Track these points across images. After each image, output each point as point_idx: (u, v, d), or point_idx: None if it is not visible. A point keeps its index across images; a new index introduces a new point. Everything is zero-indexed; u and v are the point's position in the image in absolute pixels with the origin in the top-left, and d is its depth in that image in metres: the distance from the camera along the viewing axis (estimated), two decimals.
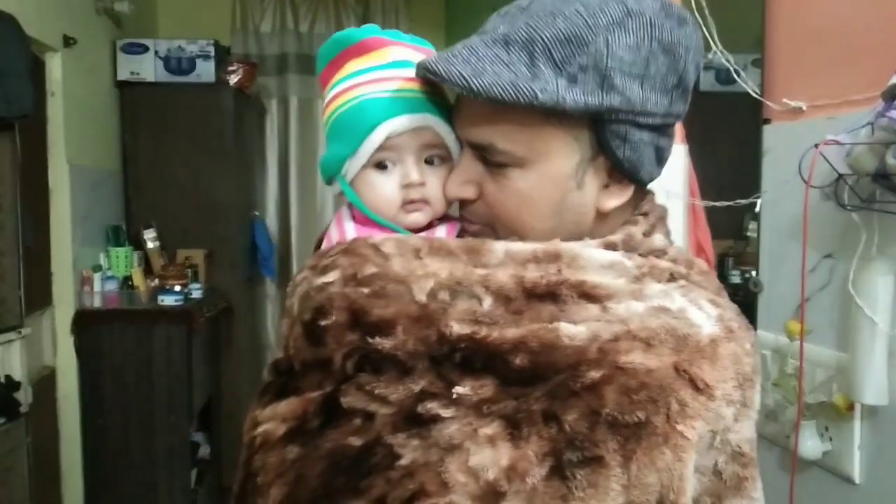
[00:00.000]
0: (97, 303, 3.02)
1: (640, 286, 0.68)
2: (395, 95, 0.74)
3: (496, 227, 0.73)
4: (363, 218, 0.78)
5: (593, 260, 0.68)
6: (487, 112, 0.69)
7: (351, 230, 0.78)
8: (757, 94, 1.43)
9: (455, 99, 0.75)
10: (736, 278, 2.70)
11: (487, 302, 0.66)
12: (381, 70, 0.76)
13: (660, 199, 0.81)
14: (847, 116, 1.21)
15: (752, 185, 1.49)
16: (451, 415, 0.63)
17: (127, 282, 3.22)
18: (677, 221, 1.50)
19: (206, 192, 3.51)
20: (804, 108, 1.36)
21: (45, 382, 2.76)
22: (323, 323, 0.67)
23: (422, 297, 0.66)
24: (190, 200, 3.51)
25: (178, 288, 3.13)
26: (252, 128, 4.11)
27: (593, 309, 0.65)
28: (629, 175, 0.72)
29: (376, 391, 0.64)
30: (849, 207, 1.16)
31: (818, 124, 1.27)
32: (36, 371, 2.66)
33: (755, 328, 1.01)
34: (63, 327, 2.89)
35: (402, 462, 0.62)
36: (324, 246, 0.79)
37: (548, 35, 0.65)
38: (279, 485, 0.64)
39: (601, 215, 0.74)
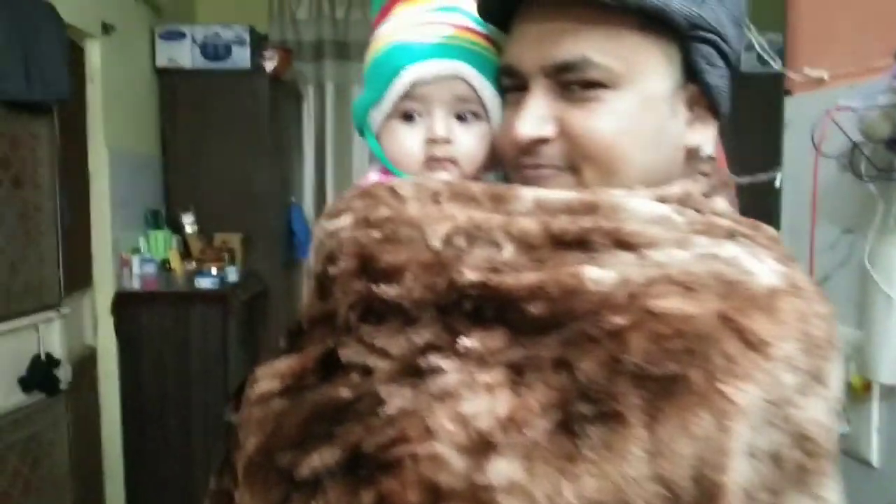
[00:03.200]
0: (136, 285, 3.09)
1: (687, 237, 0.57)
2: (429, 40, 0.69)
3: (581, 168, 0.63)
4: (388, 173, 0.73)
5: (637, 213, 0.59)
6: (576, 25, 0.61)
7: (376, 179, 0.72)
8: (771, 58, 1.38)
9: (510, 36, 0.68)
10: None
11: (508, 249, 0.58)
12: (423, 14, 0.71)
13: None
14: (868, 85, 1.16)
15: (778, 164, 1.44)
16: (452, 367, 0.56)
17: (165, 264, 3.30)
18: None
19: (244, 177, 3.56)
20: (826, 77, 1.31)
21: (86, 362, 2.85)
22: (331, 271, 0.62)
23: (436, 242, 0.60)
24: (227, 185, 3.56)
25: (214, 271, 3.19)
26: (289, 114, 4.15)
27: (628, 256, 0.56)
28: (715, 106, 0.65)
29: (376, 343, 0.58)
30: (866, 178, 1.11)
31: (839, 93, 1.23)
32: (77, 350, 2.74)
33: None
34: (103, 308, 2.98)
35: (387, 409, 0.55)
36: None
37: None
38: (256, 435, 0.60)
39: (688, 157, 0.66)
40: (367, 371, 0.58)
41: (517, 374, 0.53)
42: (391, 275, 0.59)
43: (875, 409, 1.19)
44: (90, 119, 2.90)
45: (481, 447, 0.51)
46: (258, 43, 3.63)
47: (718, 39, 0.62)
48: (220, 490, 0.65)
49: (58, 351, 2.48)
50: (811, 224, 1.22)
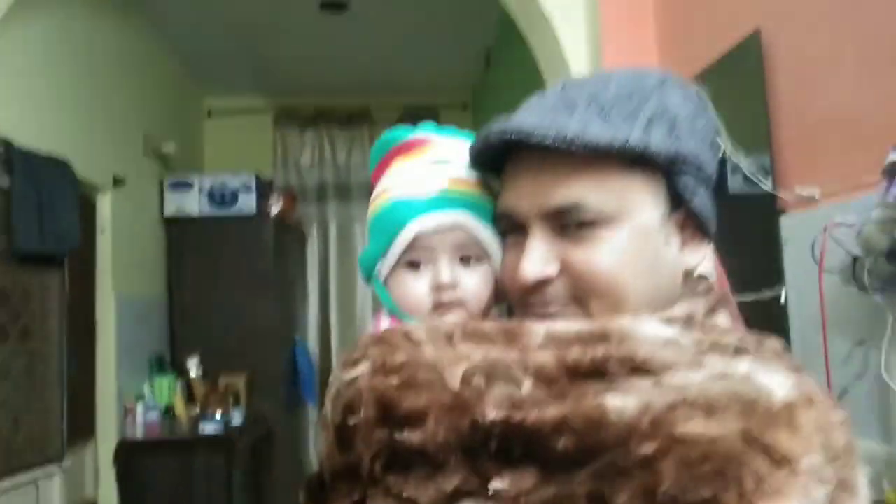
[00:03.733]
0: (139, 433, 3.03)
1: (699, 359, 0.59)
2: (428, 195, 0.73)
3: (587, 302, 0.66)
4: (397, 320, 0.75)
5: (646, 338, 0.60)
6: (567, 171, 0.65)
7: (386, 325, 0.75)
8: (760, 181, 1.43)
9: (504, 182, 0.71)
10: None
11: (527, 385, 0.58)
12: (419, 169, 0.75)
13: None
14: (860, 201, 1.20)
15: (776, 281, 1.46)
16: None
17: (169, 410, 3.25)
18: None
19: (249, 319, 3.58)
20: (817, 196, 1.35)
21: None
22: (352, 422, 0.62)
23: (455, 383, 0.60)
24: (232, 326, 3.58)
25: (218, 415, 3.14)
26: (293, 254, 4.23)
27: (644, 383, 0.57)
28: (704, 229, 0.69)
29: (404, 494, 0.57)
30: (871, 290, 1.13)
31: (832, 210, 1.26)
32: (77, 503, 2.65)
33: None
34: (105, 458, 2.91)
35: None
36: None
37: (610, 94, 0.66)
38: None
39: (685, 279, 0.69)
40: None
41: None
42: (413, 420, 0.59)
43: None
44: (99, 267, 2.96)
45: None
46: (263, 189, 3.77)
47: (696, 169, 0.67)
48: None
49: None
50: (822, 338, 1.22)
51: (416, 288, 0.74)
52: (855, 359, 1.25)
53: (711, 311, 0.67)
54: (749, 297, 1.53)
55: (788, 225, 1.44)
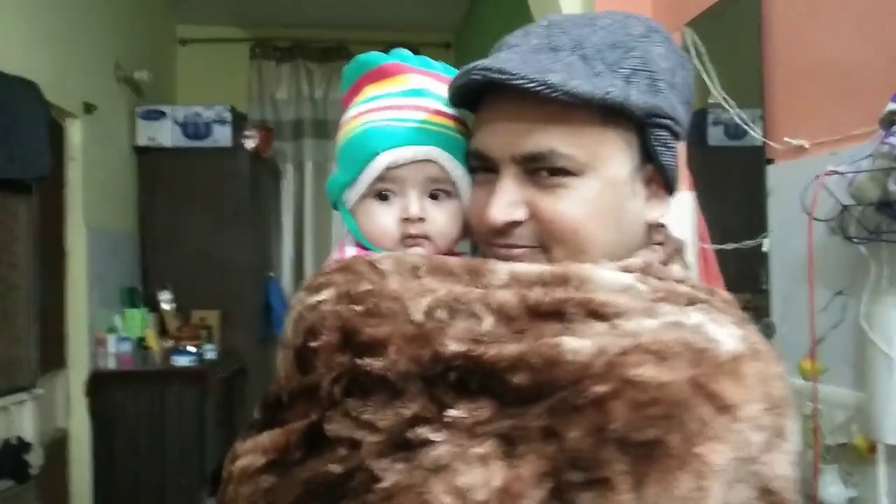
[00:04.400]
0: (111, 364, 3.02)
1: (654, 306, 0.62)
2: (402, 125, 0.72)
3: (551, 247, 0.68)
4: (363, 248, 0.75)
5: (605, 283, 0.63)
6: (544, 118, 0.65)
7: (352, 253, 0.75)
8: (751, 129, 1.43)
9: (479, 121, 0.72)
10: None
11: (488, 321, 0.61)
12: (394, 98, 0.74)
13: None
14: (850, 151, 1.20)
15: (759, 231, 1.47)
16: (442, 438, 0.57)
17: (141, 343, 3.23)
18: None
19: (222, 254, 3.54)
20: (807, 146, 1.35)
21: (57, 445, 2.74)
22: (313, 344, 0.63)
23: (418, 315, 0.62)
24: (206, 262, 3.54)
25: (191, 349, 3.13)
26: (268, 190, 4.17)
27: (601, 326, 0.60)
28: (669, 184, 0.71)
29: (363, 417, 0.59)
30: (856, 240, 1.14)
31: (821, 161, 1.27)
32: (48, 433, 2.64)
33: None
34: (77, 389, 2.89)
35: (383, 485, 0.57)
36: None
37: (595, 40, 0.66)
38: None
39: (647, 230, 0.72)
40: (354, 445, 0.59)
41: (508, 444, 0.56)
42: (375, 348, 0.60)
43: (882, 472, 1.18)
44: (69, 197, 2.88)
45: None
46: (238, 122, 3.68)
47: (672, 123, 0.68)
48: None
49: (29, 434, 2.39)
50: (808, 287, 1.24)
51: (384, 219, 0.73)
52: (833, 308, 1.27)
53: (667, 260, 0.70)
54: (731, 246, 1.54)
55: (775, 175, 1.45)
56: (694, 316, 0.61)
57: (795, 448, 0.59)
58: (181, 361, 3.02)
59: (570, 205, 0.66)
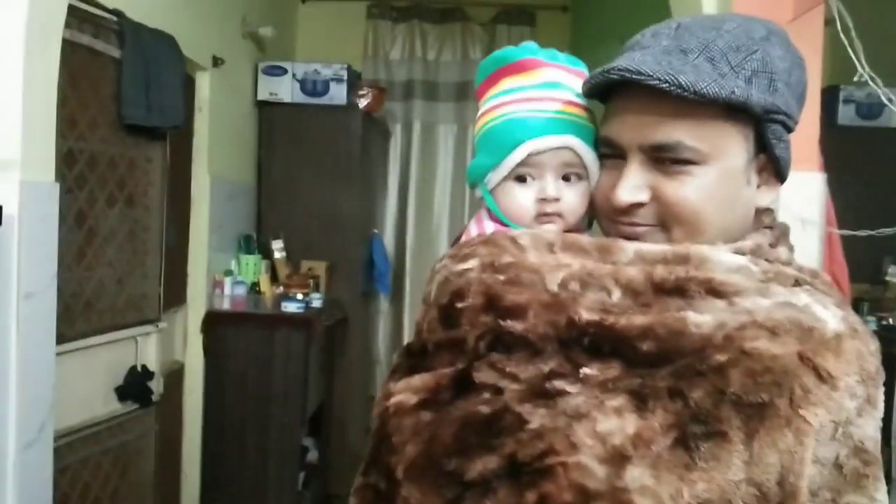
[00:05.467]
0: (226, 305, 3.21)
1: (766, 286, 0.70)
2: (541, 116, 0.81)
3: (671, 227, 0.76)
4: (500, 223, 0.85)
5: (722, 263, 0.71)
6: (673, 113, 0.73)
7: (490, 228, 0.84)
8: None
9: (610, 112, 0.79)
10: (872, 325, 2.52)
11: (616, 294, 0.70)
12: (531, 90, 0.83)
13: (793, 225, 0.86)
14: None
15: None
16: (578, 391, 0.66)
17: (254, 287, 3.41)
18: (812, 250, 1.45)
19: (331, 208, 3.68)
20: None
21: (174, 376, 2.96)
22: (459, 305, 0.73)
23: (553, 286, 0.71)
24: (316, 215, 3.68)
25: (300, 296, 3.29)
26: (377, 149, 4.27)
27: (720, 303, 0.68)
28: (781, 173, 0.79)
29: (507, 369, 0.68)
30: None
31: None
32: (167, 364, 2.86)
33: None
34: (194, 325, 3.10)
35: (532, 426, 0.66)
36: (463, 240, 0.86)
37: (721, 44, 0.74)
38: (415, 442, 0.69)
39: (757, 214, 0.80)
40: (498, 391, 0.68)
41: (639, 399, 0.65)
42: (516, 312, 0.70)
43: None
44: (195, 146, 3.06)
45: (617, 459, 0.63)
46: (353, 81, 3.77)
47: (786, 118, 0.76)
48: (366, 485, 0.73)
49: (153, 364, 2.60)
50: None
51: (523, 198, 0.83)
52: None
53: (775, 243, 0.78)
54: (864, 233, 1.48)
55: None
56: (802, 297, 0.70)
57: (881, 411, 0.68)
58: (290, 307, 3.17)
59: (692, 190, 0.74)
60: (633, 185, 0.76)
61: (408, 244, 4.53)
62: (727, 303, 0.68)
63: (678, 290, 0.69)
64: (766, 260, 0.74)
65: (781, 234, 0.81)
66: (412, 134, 4.54)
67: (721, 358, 0.64)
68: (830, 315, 0.68)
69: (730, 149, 0.74)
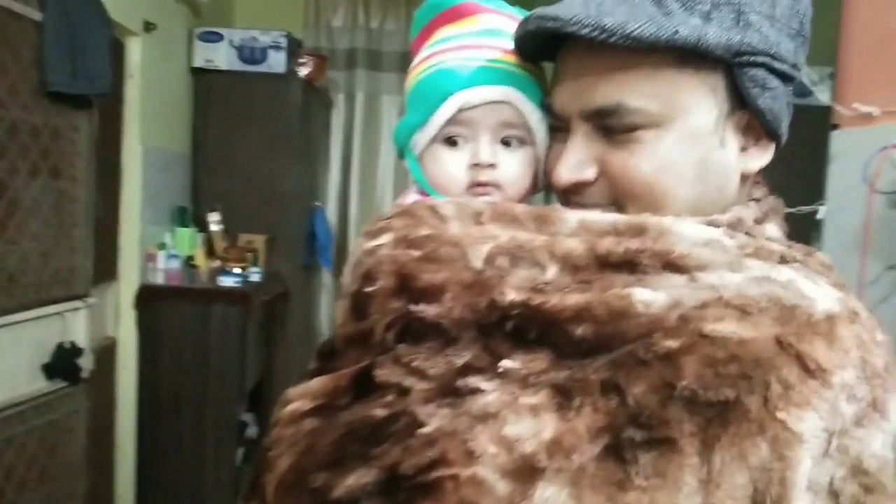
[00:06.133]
0: (160, 279, 3.12)
1: (739, 260, 0.55)
2: (476, 65, 0.68)
3: (625, 206, 0.63)
4: (427, 196, 0.72)
5: (686, 235, 0.57)
6: (610, 68, 0.60)
7: (414, 199, 0.71)
8: (821, 96, 1.39)
9: (553, 75, 0.67)
10: None
11: (552, 270, 0.57)
12: (467, 38, 0.70)
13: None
14: None
15: (818, 196, 1.45)
16: (493, 388, 0.54)
17: (189, 261, 3.32)
18: None
19: (271, 179, 3.59)
20: (876, 113, 1.31)
21: (106, 352, 2.87)
22: (368, 290, 0.61)
23: (477, 262, 0.58)
24: (254, 186, 3.59)
25: (237, 270, 3.21)
26: (318, 120, 4.18)
27: (678, 279, 0.54)
28: (771, 129, 0.64)
29: (413, 364, 0.57)
30: None
31: (889, 131, 1.23)
32: (98, 340, 2.76)
33: None
34: (126, 300, 3.00)
35: (425, 430, 0.54)
36: None
37: None
38: (288, 455, 0.59)
39: (743, 183, 0.65)
40: (402, 391, 0.56)
41: (563, 396, 0.52)
42: (430, 294, 0.58)
43: None
44: (126, 115, 2.94)
45: (526, 472, 0.50)
46: (293, 49, 3.67)
47: (769, 59, 0.60)
48: None
49: (82, 340, 2.51)
50: (861, 258, 1.23)
51: (452, 165, 0.70)
52: (883, 282, 1.26)
53: (762, 219, 0.64)
54: (784, 211, 1.52)
55: (840, 141, 1.41)
56: (785, 272, 0.55)
57: (894, 424, 0.51)
58: (227, 282, 3.10)
59: (643, 161, 0.61)
60: (575, 161, 0.63)
61: (351, 217, 4.48)
62: (688, 278, 0.54)
63: (627, 265, 0.55)
64: (747, 234, 0.60)
65: (771, 210, 0.66)
66: (355, 104, 4.46)
67: (672, 344, 0.50)
68: (822, 293, 0.53)
69: (689, 105, 0.60)
